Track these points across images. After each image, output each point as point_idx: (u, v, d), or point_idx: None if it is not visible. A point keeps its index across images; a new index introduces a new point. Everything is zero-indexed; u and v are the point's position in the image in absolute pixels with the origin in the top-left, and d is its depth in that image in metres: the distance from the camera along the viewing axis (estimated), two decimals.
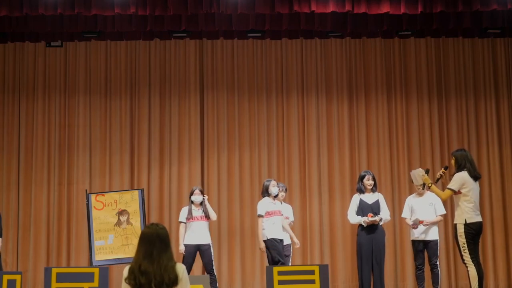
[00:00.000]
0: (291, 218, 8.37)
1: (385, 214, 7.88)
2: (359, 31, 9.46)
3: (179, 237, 8.15)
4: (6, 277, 6.69)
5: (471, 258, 6.58)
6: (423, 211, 7.94)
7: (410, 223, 8.02)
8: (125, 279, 3.92)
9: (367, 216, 7.72)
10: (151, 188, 9.80)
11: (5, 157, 9.83)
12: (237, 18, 8.67)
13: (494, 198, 9.84)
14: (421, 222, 7.83)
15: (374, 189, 7.96)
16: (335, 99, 10.04)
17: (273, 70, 10.10)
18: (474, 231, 6.64)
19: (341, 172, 9.82)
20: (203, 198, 8.17)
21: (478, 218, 6.71)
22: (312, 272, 6.68)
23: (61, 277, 6.76)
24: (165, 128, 9.96)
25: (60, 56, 10.06)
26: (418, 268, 7.94)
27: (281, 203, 8.19)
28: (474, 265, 6.58)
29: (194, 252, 8.06)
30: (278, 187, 8.08)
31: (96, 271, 6.83)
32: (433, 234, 7.93)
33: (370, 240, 7.76)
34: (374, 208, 7.79)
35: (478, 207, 6.79)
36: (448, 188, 6.73)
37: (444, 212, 8.04)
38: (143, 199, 8.59)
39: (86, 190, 8.86)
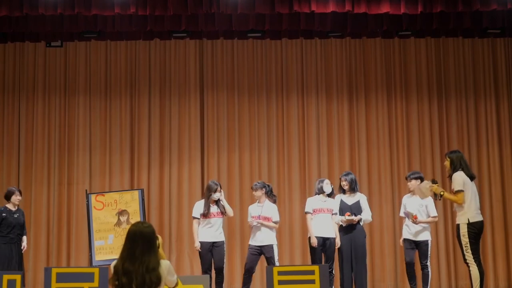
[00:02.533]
0: (274, 219, 7.95)
1: (366, 214, 7.90)
2: (359, 31, 9.46)
3: (194, 233, 7.96)
4: (6, 277, 6.68)
5: (473, 257, 6.58)
6: (415, 211, 7.89)
7: (403, 215, 7.98)
8: (109, 280, 3.88)
9: (344, 215, 7.76)
10: (151, 188, 9.80)
11: (5, 157, 9.84)
12: (237, 18, 8.67)
13: (494, 198, 9.84)
14: (415, 217, 7.78)
15: (351, 191, 7.95)
16: (335, 99, 10.05)
17: (273, 70, 10.11)
18: (477, 230, 6.65)
19: (341, 172, 9.76)
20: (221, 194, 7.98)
21: (480, 217, 6.72)
22: (312, 272, 6.67)
23: (61, 277, 6.74)
24: (165, 128, 9.97)
25: (60, 56, 10.06)
26: (408, 265, 7.93)
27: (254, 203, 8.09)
28: (476, 265, 6.57)
29: (211, 249, 7.84)
30: (257, 185, 8.03)
31: (96, 271, 6.82)
32: (425, 235, 7.87)
33: (348, 241, 7.79)
34: (353, 209, 7.82)
35: (479, 206, 6.79)
36: (457, 191, 6.68)
37: (435, 214, 7.99)
38: (143, 199, 8.59)
39: (86, 190, 8.86)
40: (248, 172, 9.88)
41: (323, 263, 7.78)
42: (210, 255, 7.86)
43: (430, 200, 7.90)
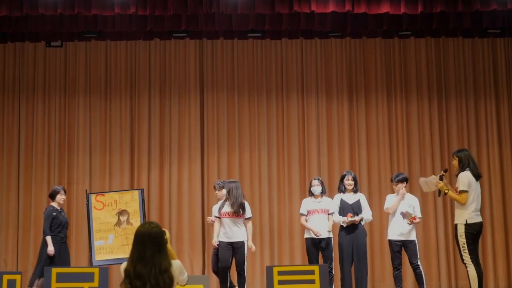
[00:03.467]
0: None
1: (366, 214, 7.89)
2: (359, 31, 9.46)
3: (214, 231, 7.87)
4: (6, 277, 6.69)
5: (471, 258, 6.58)
6: (407, 210, 7.88)
7: (388, 209, 7.92)
8: (121, 284, 3.82)
9: (346, 216, 7.74)
10: (151, 188, 9.80)
11: (5, 157, 9.83)
12: (237, 18, 8.67)
13: (494, 198, 9.84)
14: (414, 218, 7.76)
15: (355, 189, 7.96)
16: (335, 99, 10.05)
17: (273, 70, 10.11)
18: (474, 232, 6.64)
19: (341, 172, 9.72)
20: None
21: (479, 219, 6.71)
22: (312, 272, 6.68)
23: (61, 277, 6.75)
24: (165, 128, 9.97)
25: (60, 56, 10.06)
26: (396, 269, 7.86)
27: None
28: (474, 265, 6.58)
29: (228, 249, 7.68)
30: (220, 184, 7.97)
31: (96, 271, 6.82)
32: (412, 235, 7.84)
33: (350, 241, 7.77)
34: (355, 208, 7.81)
35: (479, 208, 6.78)
36: (462, 191, 6.66)
37: (420, 215, 7.98)
38: (143, 199, 8.59)
39: (86, 190, 8.85)
40: (248, 172, 9.88)
41: (319, 263, 7.77)
42: (228, 255, 7.70)
43: (416, 202, 7.92)
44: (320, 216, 7.89)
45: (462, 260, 6.68)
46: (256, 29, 8.97)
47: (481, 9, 8.30)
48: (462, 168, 6.79)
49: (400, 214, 7.85)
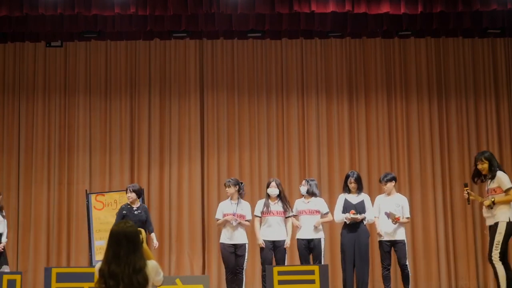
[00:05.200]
0: (248, 217, 7.92)
1: (370, 214, 7.89)
2: (359, 31, 9.46)
3: (255, 231, 7.86)
4: (6, 277, 6.69)
5: (499, 257, 6.50)
6: (391, 211, 7.84)
7: (378, 229, 7.93)
8: (95, 283, 3.79)
9: (349, 212, 7.76)
10: (151, 188, 9.80)
11: (5, 157, 9.84)
12: (237, 18, 8.67)
13: None
14: (397, 218, 7.75)
15: (359, 191, 7.96)
16: (335, 99, 10.05)
17: (273, 70, 10.11)
18: None
19: (341, 172, 9.79)
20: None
21: None
22: (312, 272, 6.68)
23: (61, 277, 6.75)
24: (165, 128, 9.97)
25: (60, 56, 10.07)
26: (386, 269, 7.87)
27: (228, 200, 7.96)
28: (502, 264, 6.50)
29: (272, 247, 7.78)
30: (231, 182, 7.95)
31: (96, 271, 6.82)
32: (401, 235, 7.84)
33: (352, 240, 7.77)
34: (358, 208, 7.81)
35: None
36: (509, 188, 6.58)
37: (409, 215, 7.97)
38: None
39: (86, 190, 8.87)
40: (248, 172, 9.88)
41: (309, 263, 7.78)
42: (271, 254, 7.78)
43: (405, 202, 7.93)
44: (309, 217, 7.90)
45: (490, 258, 6.58)
46: (256, 29, 8.98)
47: (481, 9, 8.31)
48: (493, 169, 6.69)
49: (384, 214, 7.85)
